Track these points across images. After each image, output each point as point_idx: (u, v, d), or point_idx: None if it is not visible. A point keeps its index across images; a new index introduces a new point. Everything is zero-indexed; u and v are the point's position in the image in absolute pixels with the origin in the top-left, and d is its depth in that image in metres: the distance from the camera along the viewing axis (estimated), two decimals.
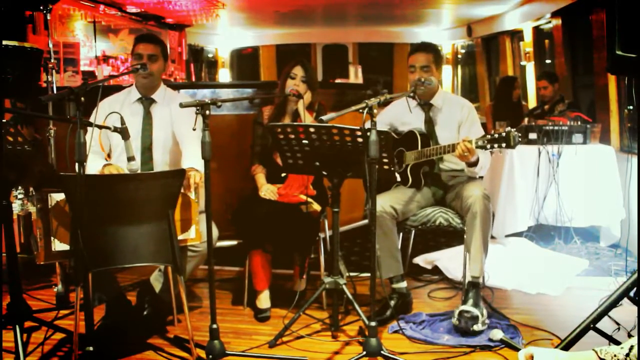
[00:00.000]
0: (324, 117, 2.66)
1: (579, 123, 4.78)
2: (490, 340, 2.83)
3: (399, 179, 3.41)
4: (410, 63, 3.38)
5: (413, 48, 3.44)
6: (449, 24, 10.16)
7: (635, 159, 4.03)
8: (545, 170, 4.68)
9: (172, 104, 3.23)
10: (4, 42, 3.41)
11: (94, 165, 3.07)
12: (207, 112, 2.59)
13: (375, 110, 2.63)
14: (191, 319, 2.88)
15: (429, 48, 3.41)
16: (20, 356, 2.47)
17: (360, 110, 2.62)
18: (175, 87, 3.86)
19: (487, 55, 9.34)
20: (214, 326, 2.66)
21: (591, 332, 2.54)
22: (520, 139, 2.91)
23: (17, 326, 2.56)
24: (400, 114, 3.50)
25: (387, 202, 3.27)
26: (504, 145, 2.89)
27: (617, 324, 2.71)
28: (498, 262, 4.00)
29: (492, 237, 4.45)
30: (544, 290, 3.69)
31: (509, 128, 2.92)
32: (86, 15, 7.32)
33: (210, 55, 11.91)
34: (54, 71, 3.69)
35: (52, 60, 3.71)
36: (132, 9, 7.57)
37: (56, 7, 6.16)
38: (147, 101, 3.30)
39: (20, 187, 3.32)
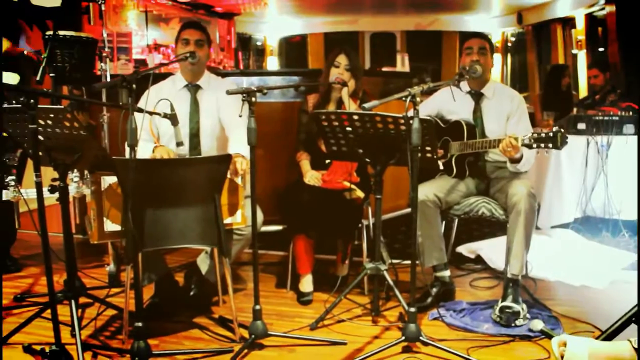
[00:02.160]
0: (366, 105, 2.69)
1: (631, 113, 4.65)
2: (531, 330, 2.82)
3: (441, 167, 3.41)
4: (466, 45, 3.38)
5: (468, 35, 3.50)
6: (498, 11, 9.98)
7: None
8: (593, 161, 4.58)
9: (218, 90, 3.28)
10: (63, 33, 3.56)
11: (143, 152, 3.12)
12: (253, 99, 2.65)
13: (418, 99, 2.64)
14: (235, 300, 2.96)
15: (484, 36, 3.52)
16: (76, 329, 2.60)
17: (403, 98, 2.63)
18: (224, 75, 3.93)
19: (538, 43, 9.14)
20: (257, 307, 2.73)
21: (633, 326, 2.50)
22: (567, 141, 2.84)
23: (72, 301, 2.70)
24: (448, 102, 3.43)
25: (431, 190, 3.25)
26: (550, 145, 2.83)
27: None
28: (542, 253, 3.95)
29: (538, 228, 4.40)
30: (588, 282, 3.63)
31: (556, 127, 2.85)
32: (138, 5, 7.51)
33: (258, 44, 12.04)
34: (107, 59, 3.82)
35: (106, 49, 3.84)
36: None
37: None
38: (193, 88, 3.36)
39: (75, 170, 3.46)
